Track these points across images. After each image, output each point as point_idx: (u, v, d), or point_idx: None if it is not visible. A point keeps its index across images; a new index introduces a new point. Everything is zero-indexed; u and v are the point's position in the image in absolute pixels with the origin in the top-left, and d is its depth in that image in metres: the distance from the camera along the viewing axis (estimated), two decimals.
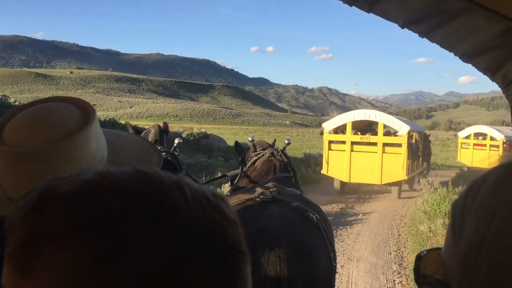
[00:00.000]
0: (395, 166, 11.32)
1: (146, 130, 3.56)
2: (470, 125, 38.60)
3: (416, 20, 1.58)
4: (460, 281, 0.48)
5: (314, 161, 16.86)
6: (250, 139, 3.35)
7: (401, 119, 12.56)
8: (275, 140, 3.64)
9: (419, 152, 14.15)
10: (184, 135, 18.54)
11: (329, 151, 12.26)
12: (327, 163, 12.25)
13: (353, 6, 1.54)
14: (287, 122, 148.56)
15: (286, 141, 3.35)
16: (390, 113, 14.36)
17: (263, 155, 2.99)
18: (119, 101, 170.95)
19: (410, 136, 12.12)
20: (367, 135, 12.02)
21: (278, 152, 3.02)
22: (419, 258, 0.58)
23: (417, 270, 0.57)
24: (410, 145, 11.95)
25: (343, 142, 12.09)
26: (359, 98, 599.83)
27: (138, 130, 3.58)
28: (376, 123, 12.33)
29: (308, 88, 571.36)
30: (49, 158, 0.84)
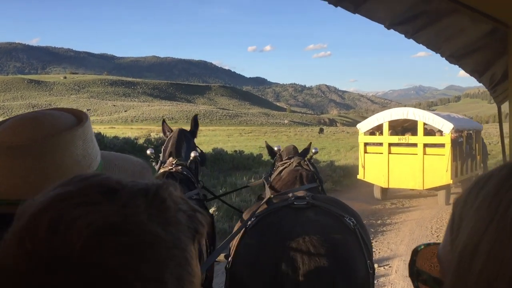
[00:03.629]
0: (438, 169, 10.21)
1: (170, 135, 3.32)
2: (472, 118, 34.66)
3: (401, 21, 1.60)
4: (452, 283, 0.46)
5: None
6: (276, 148, 3.35)
7: (449, 116, 11.37)
8: (310, 143, 3.55)
9: (474, 151, 12.54)
10: (141, 141, 14.93)
11: (365, 154, 11.39)
12: (363, 167, 11.34)
13: (339, 7, 1.55)
14: (286, 121, 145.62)
15: (313, 150, 3.33)
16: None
17: (289, 164, 2.98)
18: (114, 105, 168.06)
19: (458, 134, 10.95)
20: (406, 136, 11.08)
21: (305, 161, 3.02)
22: (415, 253, 0.56)
23: (412, 265, 0.56)
24: (457, 145, 10.77)
25: (380, 144, 11.21)
26: (358, 95, 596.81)
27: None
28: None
29: (307, 86, 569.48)
30: (29, 154, 0.86)
